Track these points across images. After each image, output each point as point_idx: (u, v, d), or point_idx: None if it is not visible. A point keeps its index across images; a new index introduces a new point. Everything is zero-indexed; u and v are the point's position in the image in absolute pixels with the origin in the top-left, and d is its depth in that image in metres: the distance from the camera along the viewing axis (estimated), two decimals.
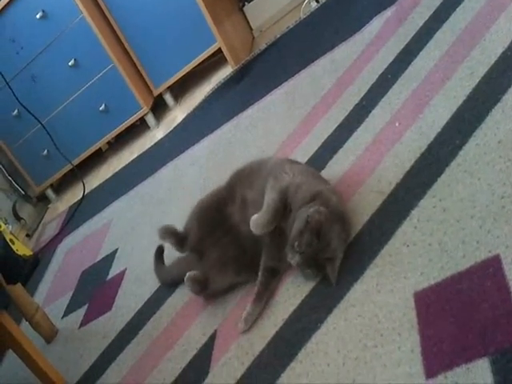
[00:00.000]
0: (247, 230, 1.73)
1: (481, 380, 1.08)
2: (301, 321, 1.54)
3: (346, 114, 2.19)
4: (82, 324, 2.36)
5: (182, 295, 1.99)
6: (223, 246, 1.83)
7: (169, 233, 2.04)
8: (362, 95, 2.22)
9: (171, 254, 2.14)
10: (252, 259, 1.73)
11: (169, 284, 2.09)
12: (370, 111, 2.08)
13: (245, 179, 1.86)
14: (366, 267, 1.51)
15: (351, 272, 1.52)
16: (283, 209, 1.65)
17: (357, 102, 2.21)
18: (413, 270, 1.39)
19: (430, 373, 1.16)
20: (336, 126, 2.18)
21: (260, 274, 1.70)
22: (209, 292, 1.85)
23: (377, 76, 2.24)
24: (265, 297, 1.67)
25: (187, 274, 1.84)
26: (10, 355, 2.35)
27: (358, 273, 1.51)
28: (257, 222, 1.66)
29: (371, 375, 1.26)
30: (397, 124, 1.91)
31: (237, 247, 1.80)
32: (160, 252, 2.19)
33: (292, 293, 1.64)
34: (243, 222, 1.77)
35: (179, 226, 2.02)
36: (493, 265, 1.24)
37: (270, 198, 1.67)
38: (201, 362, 1.69)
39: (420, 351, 1.22)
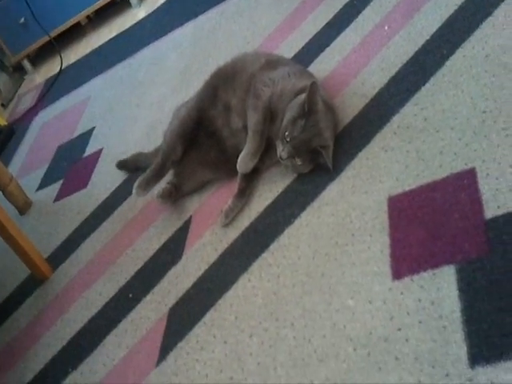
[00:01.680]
0: (229, 133, 1.75)
1: (445, 285, 1.13)
2: (275, 215, 1.58)
3: (336, 12, 2.17)
4: (57, 198, 2.39)
5: None
6: (204, 150, 1.82)
7: (149, 182, 1.83)
8: None
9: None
10: (232, 161, 1.71)
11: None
12: (360, 11, 2.06)
13: (226, 82, 1.81)
14: (342, 168, 1.55)
15: (327, 171, 1.55)
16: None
17: (347, 0, 2.17)
18: (388, 175, 1.43)
19: (397, 274, 1.22)
20: (324, 23, 2.16)
21: None
22: (182, 194, 1.87)
23: None
24: (246, 193, 1.69)
25: (156, 194, 1.82)
26: None
27: (334, 173, 1.55)
28: (245, 158, 1.65)
29: (339, 271, 1.32)
30: (386, 27, 1.90)
31: (218, 150, 1.79)
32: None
33: (268, 188, 1.68)
34: (225, 126, 1.77)
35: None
36: (468, 177, 1.28)
37: (253, 122, 1.66)
38: (175, 245, 1.74)
39: (389, 253, 1.27)
